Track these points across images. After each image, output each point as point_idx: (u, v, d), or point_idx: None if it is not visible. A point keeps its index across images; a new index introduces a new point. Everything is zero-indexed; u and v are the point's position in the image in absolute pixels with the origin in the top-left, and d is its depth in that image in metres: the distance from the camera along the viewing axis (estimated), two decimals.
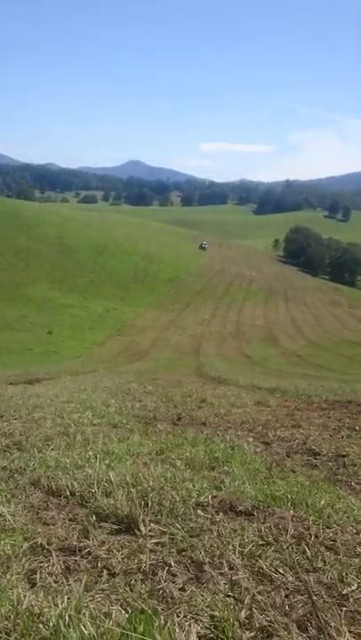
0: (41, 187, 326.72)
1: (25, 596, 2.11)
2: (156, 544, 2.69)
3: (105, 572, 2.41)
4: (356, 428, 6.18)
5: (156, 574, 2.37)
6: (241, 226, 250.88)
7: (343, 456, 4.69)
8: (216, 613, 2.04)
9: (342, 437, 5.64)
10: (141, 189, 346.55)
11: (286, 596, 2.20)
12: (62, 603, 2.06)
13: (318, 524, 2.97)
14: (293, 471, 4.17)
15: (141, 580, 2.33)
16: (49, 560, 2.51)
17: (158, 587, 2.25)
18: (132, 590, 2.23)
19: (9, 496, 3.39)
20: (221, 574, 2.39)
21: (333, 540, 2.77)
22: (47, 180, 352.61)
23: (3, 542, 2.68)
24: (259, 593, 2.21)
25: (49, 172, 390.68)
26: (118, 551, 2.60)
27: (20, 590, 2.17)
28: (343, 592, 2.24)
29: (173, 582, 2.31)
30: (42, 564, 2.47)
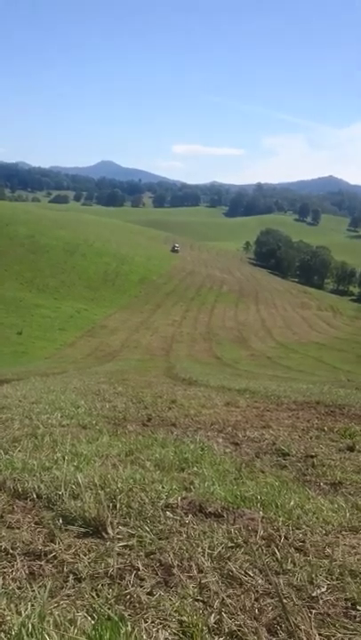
0: (11, 186, 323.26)
1: None
2: (124, 547, 2.64)
3: (71, 576, 2.34)
4: (325, 428, 6.22)
5: (124, 578, 2.32)
6: (212, 228, 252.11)
7: (312, 456, 4.71)
8: (185, 618, 1.99)
9: (311, 438, 5.66)
10: (113, 190, 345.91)
11: (256, 600, 2.17)
12: (26, 610, 1.99)
13: (288, 525, 2.96)
14: (263, 472, 4.16)
15: (108, 584, 2.27)
16: (13, 565, 2.43)
17: (126, 591, 2.20)
18: (98, 596, 2.17)
19: None
20: (190, 578, 2.34)
21: (303, 542, 2.76)
22: (18, 179, 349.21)
23: None
24: (228, 596, 2.17)
25: (20, 170, 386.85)
26: (85, 555, 2.54)
27: None
28: (313, 594, 2.22)
29: (141, 587, 2.26)
30: (5, 570, 2.39)
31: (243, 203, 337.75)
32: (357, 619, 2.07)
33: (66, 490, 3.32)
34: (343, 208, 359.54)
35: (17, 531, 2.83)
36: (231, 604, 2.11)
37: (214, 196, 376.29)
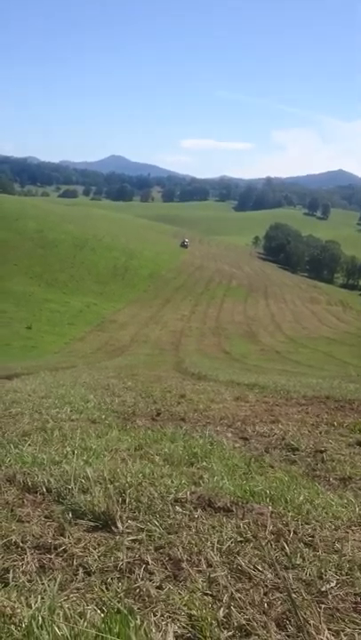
0: (21, 180, 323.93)
1: None
2: (134, 541, 2.65)
3: (80, 570, 2.36)
4: (335, 423, 6.21)
5: (133, 572, 2.33)
6: (221, 222, 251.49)
7: (322, 451, 4.70)
8: (194, 612, 2.00)
9: (321, 433, 5.65)
10: (122, 185, 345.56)
11: (265, 594, 2.17)
12: (36, 603, 2.01)
13: (297, 520, 2.96)
14: (272, 467, 4.15)
15: (118, 578, 2.28)
16: (23, 558, 2.45)
17: (135, 585, 2.20)
18: (107, 589, 2.18)
19: None
20: (199, 572, 2.35)
21: (312, 537, 2.75)
22: (27, 174, 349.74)
23: None
24: (237, 591, 2.17)
25: (29, 165, 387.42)
26: (94, 549, 2.55)
27: None
28: (322, 589, 2.22)
29: (150, 580, 2.26)
30: (15, 563, 2.40)
31: (252, 197, 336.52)
32: None
33: (75, 484, 3.33)
34: (353, 202, 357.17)
35: (27, 524, 2.85)
36: (240, 598, 2.12)
37: (223, 191, 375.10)
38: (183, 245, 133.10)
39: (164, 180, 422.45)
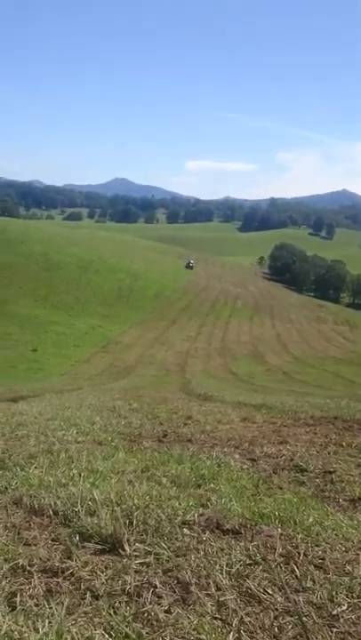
0: (26, 204, 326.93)
1: (4, 621, 2.03)
2: (141, 564, 2.62)
3: (88, 593, 2.33)
4: (343, 444, 6.15)
5: (141, 596, 2.30)
6: (226, 243, 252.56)
7: (331, 472, 4.65)
8: (203, 637, 1.97)
9: (329, 453, 5.60)
10: (127, 206, 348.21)
11: (275, 618, 2.14)
12: (43, 627, 1.99)
13: (307, 542, 2.92)
14: (281, 488, 4.11)
15: (126, 602, 2.25)
16: (30, 582, 2.42)
17: (143, 609, 2.18)
18: (115, 613, 2.15)
19: None
20: (208, 595, 2.32)
21: (322, 559, 2.72)
22: (32, 198, 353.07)
23: None
24: (247, 615, 2.14)
25: (34, 189, 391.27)
26: (102, 572, 2.53)
27: (0, 614, 2.08)
28: (333, 612, 2.18)
29: (159, 604, 2.24)
30: (22, 587, 2.38)
31: (256, 217, 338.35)
32: None
33: (82, 506, 3.31)
34: (357, 221, 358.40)
35: (34, 547, 2.83)
36: (250, 622, 2.09)
37: (228, 212, 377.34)
38: (188, 267, 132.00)
39: (169, 202, 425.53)
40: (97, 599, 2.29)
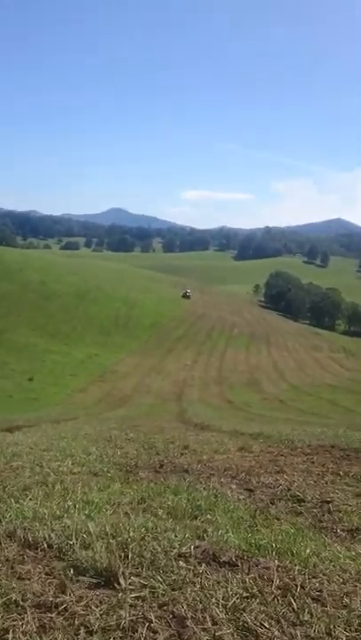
0: (23, 233, 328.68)
1: None
2: (137, 598, 2.58)
3: (82, 629, 2.29)
4: (341, 473, 6.12)
5: (136, 631, 2.26)
6: (222, 271, 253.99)
7: (328, 502, 4.62)
8: None
9: (326, 483, 5.56)
10: (123, 236, 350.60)
11: None
12: None
13: (304, 574, 2.89)
14: (278, 519, 4.08)
15: (120, 637, 2.22)
16: (23, 618, 2.38)
17: None
18: None
19: None
20: (204, 630, 2.28)
21: (320, 591, 2.68)
22: (30, 227, 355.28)
23: None
24: None
25: (31, 218, 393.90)
26: (96, 607, 2.49)
27: None
28: None
29: (154, 639, 2.20)
30: (15, 622, 2.34)
31: (251, 246, 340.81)
32: None
33: (77, 539, 3.27)
34: (352, 249, 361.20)
35: (27, 582, 2.78)
36: None
37: (223, 240, 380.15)
38: (185, 296, 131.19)
39: (165, 231, 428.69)
40: (91, 635, 2.25)
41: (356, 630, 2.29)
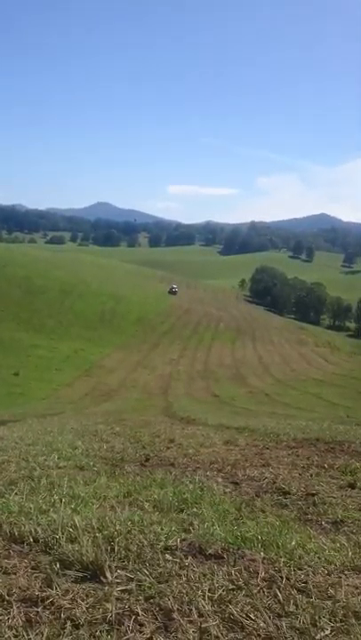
0: (8, 227, 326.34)
1: None
2: (123, 591, 2.58)
3: (68, 623, 2.29)
4: (325, 465, 6.16)
5: (123, 624, 2.27)
6: (207, 266, 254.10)
7: (313, 495, 4.65)
8: None
9: (311, 476, 5.60)
10: (109, 230, 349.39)
11: None
12: None
13: (289, 566, 2.91)
14: (263, 511, 4.10)
15: (107, 630, 2.22)
16: (9, 612, 2.38)
17: (125, 637, 2.15)
18: None
19: None
20: (190, 622, 2.29)
21: (305, 583, 2.70)
22: (15, 221, 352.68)
23: None
24: None
25: (17, 213, 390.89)
26: (83, 600, 2.49)
27: None
28: (316, 637, 2.17)
29: (140, 632, 2.21)
30: (1, 617, 2.33)
31: (237, 241, 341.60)
32: None
33: (63, 533, 3.26)
34: (337, 244, 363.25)
35: (13, 576, 2.78)
36: None
37: (209, 235, 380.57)
38: (172, 292, 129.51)
39: (151, 226, 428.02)
40: (77, 628, 2.25)
41: (340, 621, 2.31)
